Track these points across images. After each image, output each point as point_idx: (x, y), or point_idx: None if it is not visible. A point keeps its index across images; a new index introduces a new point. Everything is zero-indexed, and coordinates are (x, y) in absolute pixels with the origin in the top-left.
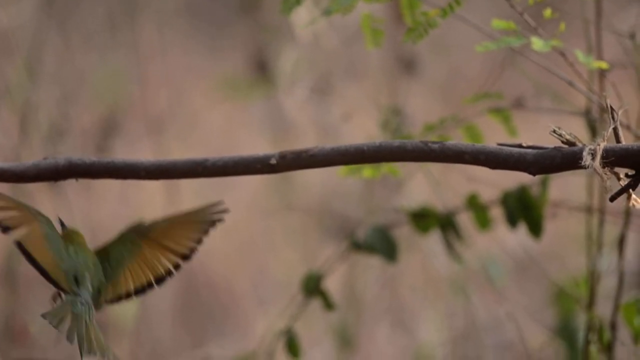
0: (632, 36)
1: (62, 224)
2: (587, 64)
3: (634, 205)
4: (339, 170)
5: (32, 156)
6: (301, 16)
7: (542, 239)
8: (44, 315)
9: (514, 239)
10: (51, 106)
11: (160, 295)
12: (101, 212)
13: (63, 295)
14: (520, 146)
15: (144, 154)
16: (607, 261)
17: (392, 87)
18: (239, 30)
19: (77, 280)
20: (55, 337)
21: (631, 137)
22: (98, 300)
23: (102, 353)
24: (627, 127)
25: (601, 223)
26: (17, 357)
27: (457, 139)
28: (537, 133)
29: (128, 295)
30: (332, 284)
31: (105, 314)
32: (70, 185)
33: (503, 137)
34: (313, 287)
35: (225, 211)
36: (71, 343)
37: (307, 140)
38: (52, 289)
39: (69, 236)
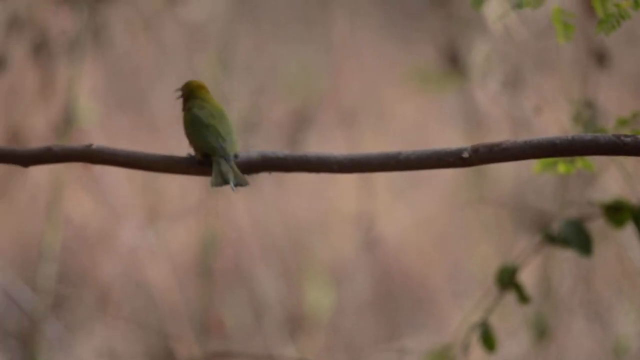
0: None
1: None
2: None
3: None
4: (534, 166)
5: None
6: (493, 8)
7: None
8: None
9: None
10: (244, 99)
11: (356, 288)
12: (295, 205)
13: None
14: None
15: (336, 146)
16: None
17: (583, 80)
18: (431, 22)
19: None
20: (250, 329)
21: None
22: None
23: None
24: None
25: None
26: (214, 349)
27: None
28: None
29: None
30: (527, 277)
31: (300, 306)
32: (264, 179)
33: None
34: (507, 279)
35: None
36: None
37: (499, 133)
38: (246, 283)
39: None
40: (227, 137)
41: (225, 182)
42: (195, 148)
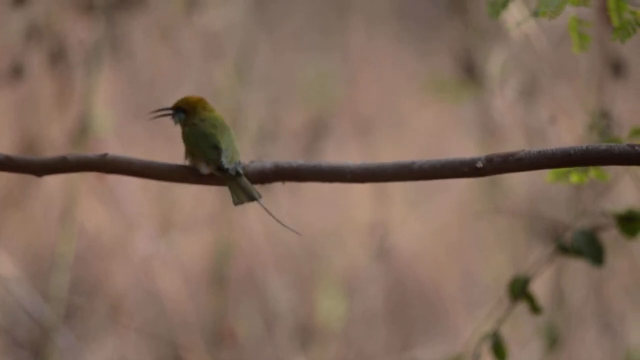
0: None
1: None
2: None
3: None
4: (547, 176)
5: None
6: (511, 16)
7: None
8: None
9: None
10: (260, 108)
11: (368, 298)
12: (309, 215)
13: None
14: None
15: (352, 155)
16: None
17: (599, 89)
18: (448, 31)
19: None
20: (262, 340)
21: None
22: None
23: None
24: None
25: None
26: (226, 359)
27: None
28: None
29: None
30: (539, 287)
31: (312, 316)
32: (278, 188)
33: None
34: (519, 290)
35: None
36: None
37: (514, 143)
38: (259, 292)
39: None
40: (227, 146)
41: (250, 198)
42: (193, 158)
